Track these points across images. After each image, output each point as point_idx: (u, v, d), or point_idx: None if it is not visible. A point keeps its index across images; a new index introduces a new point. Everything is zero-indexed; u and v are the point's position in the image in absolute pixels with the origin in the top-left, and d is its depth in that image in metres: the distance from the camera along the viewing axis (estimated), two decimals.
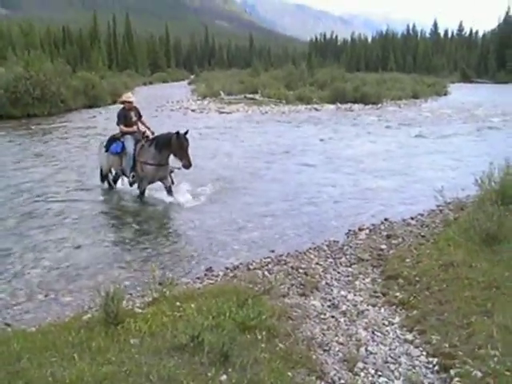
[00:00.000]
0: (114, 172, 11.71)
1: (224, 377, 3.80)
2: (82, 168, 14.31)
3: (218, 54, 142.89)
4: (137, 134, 10.95)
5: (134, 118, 11.08)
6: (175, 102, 36.42)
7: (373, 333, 4.99)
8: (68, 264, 7.31)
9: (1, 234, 8.69)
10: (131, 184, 10.98)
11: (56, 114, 29.38)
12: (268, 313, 4.83)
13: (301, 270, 6.65)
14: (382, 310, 5.52)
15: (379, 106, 35.46)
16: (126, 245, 8.17)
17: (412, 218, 9.27)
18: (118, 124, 11.02)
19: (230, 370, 3.89)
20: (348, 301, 5.77)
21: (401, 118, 28.25)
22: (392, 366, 4.39)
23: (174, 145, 9.97)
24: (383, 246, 7.60)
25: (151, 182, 10.74)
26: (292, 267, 6.78)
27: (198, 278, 6.61)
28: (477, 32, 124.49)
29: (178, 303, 5.07)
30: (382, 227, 8.80)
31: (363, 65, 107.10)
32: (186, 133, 9.97)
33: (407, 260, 6.66)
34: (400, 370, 4.34)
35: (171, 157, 10.32)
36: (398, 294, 5.77)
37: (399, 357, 4.54)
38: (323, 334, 4.94)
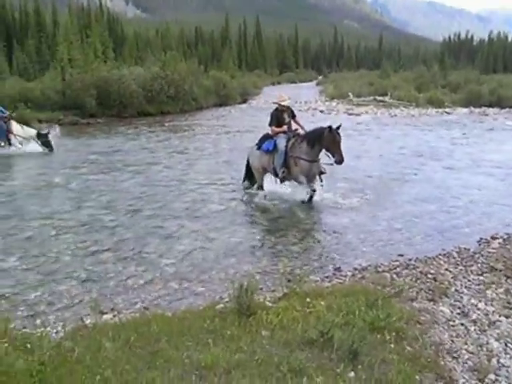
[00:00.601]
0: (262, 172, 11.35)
1: (352, 374, 3.88)
2: (215, 164, 14.91)
3: (346, 55, 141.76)
4: (288, 133, 10.84)
5: (287, 119, 10.98)
6: (303, 102, 36.67)
7: (505, 345, 4.81)
8: (200, 256, 7.66)
9: (137, 224, 9.29)
10: (282, 181, 10.94)
11: (188, 111, 30.73)
12: (397, 315, 4.82)
13: (430, 276, 6.54)
14: None
15: None
16: (256, 241, 8.40)
17: None
18: (269, 125, 10.99)
19: (358, 367, 3.96)
20: (479, 309, 5.60)
21: None
22: None
23: (327, 139, 9.84)
24: None
25: (309, 178, 10.36)
26: (421, 272, 6.69)
27: (327, 277, 6.70)
28: None
29: (307, 299, 5.21)
30: None
31: (501, 66, 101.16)
32: (339, 127, 9.87)
33: None
34: None
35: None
36: None
37: None
38: (452, 340, 4.85)
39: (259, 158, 11.21)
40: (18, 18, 53.85)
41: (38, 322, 5.53)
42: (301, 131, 10.84)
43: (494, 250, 7.68)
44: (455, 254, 7.54)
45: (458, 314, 5.50)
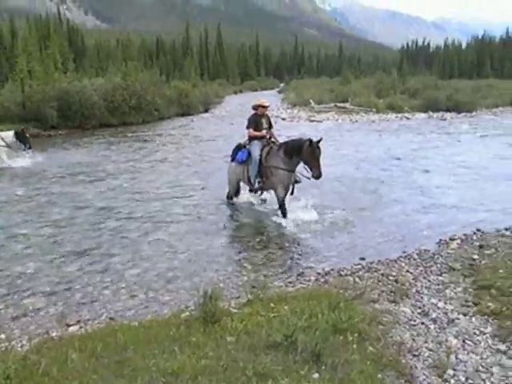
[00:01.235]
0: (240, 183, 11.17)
1: (316, 375, 3.98)
2: (178, 174, 14.92)
3: (307, 63, 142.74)
4: (264, 140, 10.48)
5: (265, 126, 10.62)
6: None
7: (464, 341, 4.99)
8: (165, 265, 7.69)
9: (101, 235, 9.25)
10: (256, 191, 10.70)
11: (150, 122, 30.66)
12: (359, 317, 4.96)
13: (391, 278, 6.73)
14: (474, 319, 5.50)
15: (473, 114, 34.36)
16: (221, 249, 8.46)
17: (506, 229, 9.04)
18: (247, 127, 10.58)
19: (322, 368, 4.07)
20: (438, 308, 5.79)
21: (496, 126, 27.29)
22: (483, 375, 4.39)
23: (306, 152, 9.41)
24: (475, 256, 7.51)
25: (286, 189, 9.97)
26: (382, 274, 6.87)
27: (290, 282, 6.82)
28: None
29: (271, 305, 5.31)
30: (474, 237, 8.66)
31: (457, 72, 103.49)
32: (319, 141, 9.44)
33: (501, 271, 6.57)
34: (492, 379, 4.33)
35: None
36: (490, 304, 5.71)
37: (491, 367, 4.53)
38: (413, 339, 5.00)
39: (234, 170, 10.95)
40: None
41: (3, 336, 5.49)
42: (276, 143, 10.49)
43: (452, 251, 7.92)
44: (415, 256, 7.76)
45: (419, 313, 5.68)
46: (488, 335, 5.11)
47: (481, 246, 8.01)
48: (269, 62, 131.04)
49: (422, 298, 6.12)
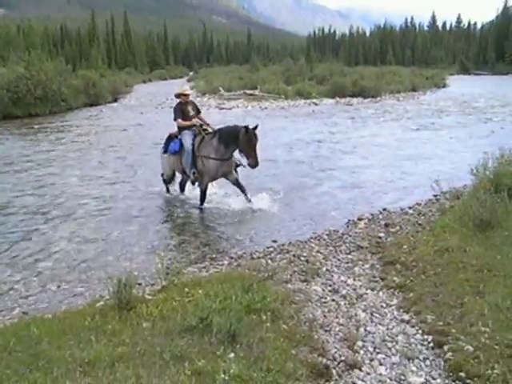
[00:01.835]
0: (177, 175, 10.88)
1: (232, 355, 4.05)
2: (90, 165, 14.57)
3: (216, 51, 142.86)
4: (195, 129, 10.04)
5: (192, 113, 10.21)
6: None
7: (371, 314, 5.25)
8: (78, 257, 7.57)
9: (11, 229, 8.94)
10: (193, 182, 10.27)
11: (58, 112, 29.63)
12: (272, 297, 5.08)
13: (302, 258, 6.92)
14: (381, 293, 5.78)
15: (378, 99, 35.68)
16: (134, 238, 8.39)
17: (409, 208, 9.53)
18: (174, 119, 10.11)
19: (237, 347, 4.15)
20: (348, 285, 6.03)
21: (399, 110, 28.49)
22: (389, 344, 4.64)
23: (242, 140, 9.10)
24: (381, 234, 7.88)
25: (214, 179, 9.91)
26: (294, 255, 7.05)
27: (204, 267, 6.88)
28: (475, 24, 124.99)
29: (186, 289, 5.34)
30: (381, 216, 9.08)
31: (362, 59, 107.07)
32: (255, 128, 9.16)
33: (404, 247, 6.91)
34: (397, 347, 4.58)
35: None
36: (395, 278, 6.01)
37: (396, 335, 4.79)
38: (324, 316, 5.20)
39: (167, 162, 10.60)
40: None
41: None
42: (209, 128, 10.15)
43: (360, 230, 8.26)
44: (325, 237, 8.02)
45: (330, 291, 5.89)
46: (394, 307, 5.39)
47: (386, 225, 8.40)
48: (177, 51, 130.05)
49: (332, 276, 6.35)
